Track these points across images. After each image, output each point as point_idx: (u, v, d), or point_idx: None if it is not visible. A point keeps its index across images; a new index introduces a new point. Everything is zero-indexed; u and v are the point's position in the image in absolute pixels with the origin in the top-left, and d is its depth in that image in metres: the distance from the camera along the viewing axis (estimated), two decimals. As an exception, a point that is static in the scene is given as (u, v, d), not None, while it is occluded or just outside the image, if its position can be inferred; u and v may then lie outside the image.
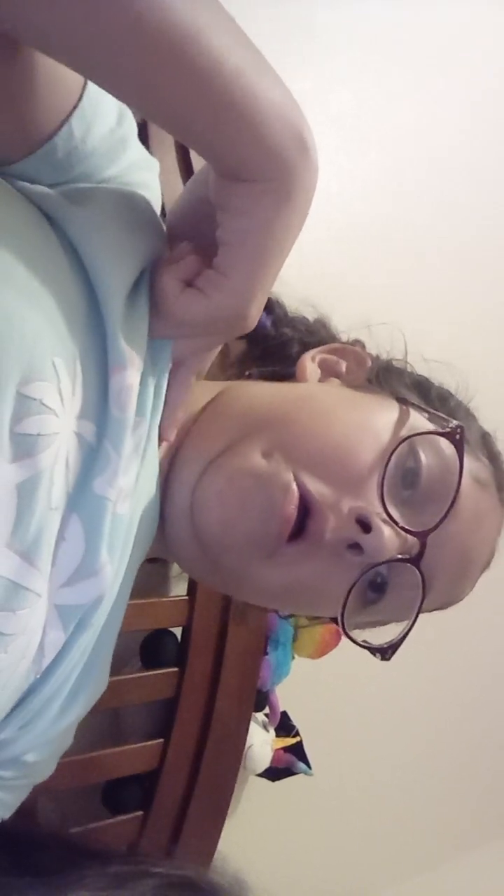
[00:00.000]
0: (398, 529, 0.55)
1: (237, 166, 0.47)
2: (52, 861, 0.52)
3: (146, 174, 0.58)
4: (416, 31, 1.44)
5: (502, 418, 0.68)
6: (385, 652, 0.60)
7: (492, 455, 0.65)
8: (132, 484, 0.52)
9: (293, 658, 1.18)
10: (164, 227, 0.57)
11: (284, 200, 0.48)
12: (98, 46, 0.42)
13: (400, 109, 1.44)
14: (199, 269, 0.51)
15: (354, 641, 0.59)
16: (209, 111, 0.45)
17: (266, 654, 1.11)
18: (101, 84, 0.47)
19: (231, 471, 0.54)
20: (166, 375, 0.53)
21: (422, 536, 0.56)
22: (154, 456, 0.55)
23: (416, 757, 1.65)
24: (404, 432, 0.58)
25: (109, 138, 0.53)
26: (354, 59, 1.37)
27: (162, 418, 0.55)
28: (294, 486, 0.53)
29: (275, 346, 0.72)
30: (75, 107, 0.50)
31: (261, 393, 0.62)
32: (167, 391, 0.54)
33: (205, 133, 0.47)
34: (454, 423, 0.58)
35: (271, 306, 0.75)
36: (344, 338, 0.73)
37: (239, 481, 0.54)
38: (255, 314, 0.51)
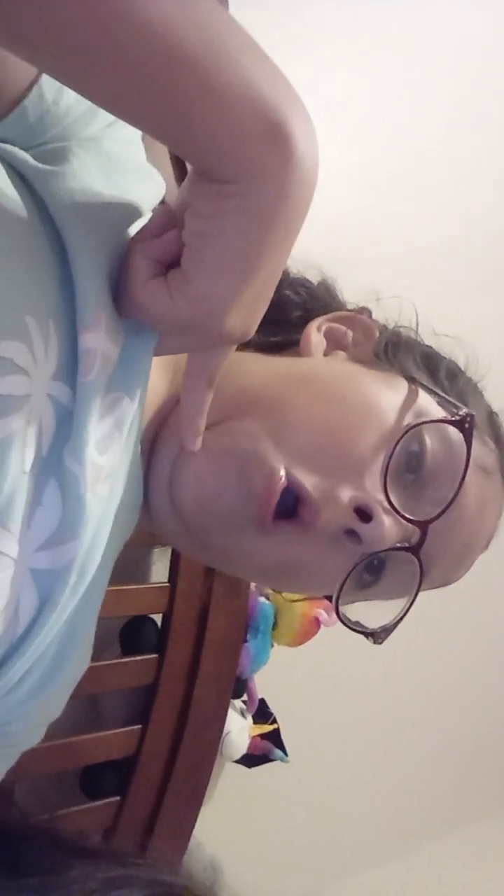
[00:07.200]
0: (399, 518, 0.53)
1: (197, 161, 0.41)
2: (37, 858, 0.51)
3: (128, 130, 0.53)
4: (406, 23, 1.44)
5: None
6: (378, 636, 0.58)
7: (498, 437, 0.62)
8: (113, 465, 0.50)
9: (272, 646, 1.19)
10: (158, 175, 0.52)
11: (250, 207, 0.40)
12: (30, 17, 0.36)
13: (388, 99, 1.44)
14: (176, 251, 0.45)
15: (348, 626, 0.57)
16: (159, 98, 0.38)
17: (246, 641, 1.11)
18: (29, 58, 0.41)
19: (211, 448, 0.52)
20: (150, 354, 0.50)
21: (423, 525, 0.54)
22: (137, 442, 0.53)
23: (393, 744, 1.66)
24: (411, 417, 0.55)
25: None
26: (344, 48, 1.37)
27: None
28: (281, 474, 0.51)
29: (274, 309, 0.69)
30: None
31: (258, 370, 0.58)
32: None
33: (159, 123, 0.40)
34: (464, 410, 0.56)
35: None
36: (350, 306, 0.68)
37: (218, 459, 0.52)
38: (234, 330, 0.45)
